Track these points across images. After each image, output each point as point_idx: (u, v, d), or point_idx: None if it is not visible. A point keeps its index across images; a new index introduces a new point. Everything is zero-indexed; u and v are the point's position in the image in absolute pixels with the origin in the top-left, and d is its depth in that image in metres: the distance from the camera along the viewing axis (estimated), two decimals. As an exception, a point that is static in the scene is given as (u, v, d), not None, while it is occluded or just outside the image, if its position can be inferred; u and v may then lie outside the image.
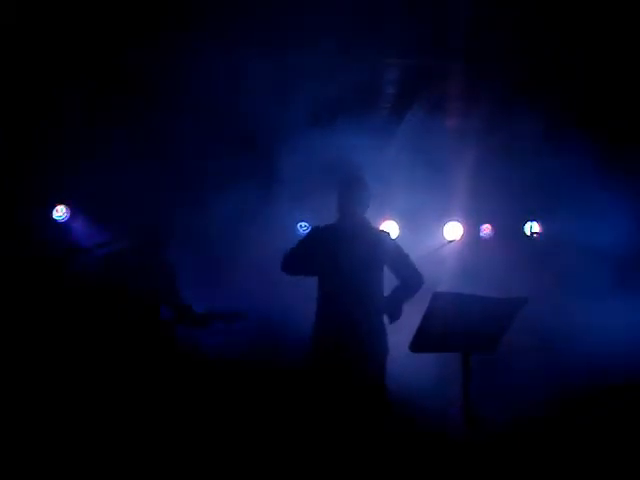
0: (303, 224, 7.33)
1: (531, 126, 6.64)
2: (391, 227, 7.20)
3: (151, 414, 5.22)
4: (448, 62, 6.50)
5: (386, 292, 5.13)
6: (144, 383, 5.25)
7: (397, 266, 5.16)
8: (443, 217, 7.44)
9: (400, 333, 4.94)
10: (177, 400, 5.41)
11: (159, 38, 6.03)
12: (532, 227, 7.37)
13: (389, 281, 5.19)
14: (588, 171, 6.73)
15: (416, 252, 7.01)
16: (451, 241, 7.39)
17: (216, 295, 6.10)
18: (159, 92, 6.36)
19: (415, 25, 6.03)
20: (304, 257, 5.09)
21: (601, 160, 6.73)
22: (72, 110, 6.63)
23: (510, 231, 7.48)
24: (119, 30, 6.12)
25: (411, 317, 4.80)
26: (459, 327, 4.55)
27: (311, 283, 5.17)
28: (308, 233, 5.26)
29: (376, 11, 5.85)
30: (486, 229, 7.47)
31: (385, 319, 5.03)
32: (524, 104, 6.48)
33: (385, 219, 7.20)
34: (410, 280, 5.15)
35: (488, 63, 6.40)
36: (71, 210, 7.01)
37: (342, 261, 4.96)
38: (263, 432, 5.94)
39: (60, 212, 7.00)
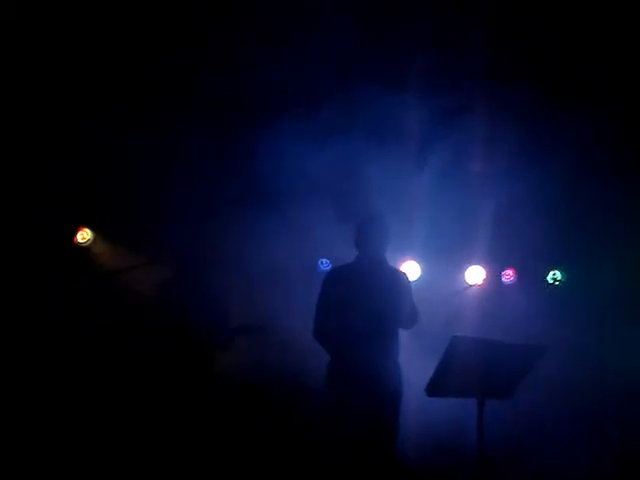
0: (324, 260, 7.30)
1: (557, 171, 6.59)
2: (412, 267, 7.16)
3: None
4: (471, 101, 6.48)
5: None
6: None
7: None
8: (466, 260, 7.38)
9: (418, 375, 4.89)
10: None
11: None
12: (554, 275, 7.29)
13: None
14: (614, 219, 6.68)
15: (437, 294, 7.13)
16: (472, 285, 7.31)
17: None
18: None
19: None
20: (330, 310, 5.00)
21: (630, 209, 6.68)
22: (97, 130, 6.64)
23: (533, 277, 7.40)
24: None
25: (430, 360, 4.74)
26: (477, 372, 4.47)
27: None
28: (323, 284, 5.15)
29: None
30: (508, 275, 7.40)
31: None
32: (550, 147, 6.45)
33: (406, 259, 7.17)
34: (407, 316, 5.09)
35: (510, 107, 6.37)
36: (95, 234, 7.02)
37: (358, 299, 4.92)
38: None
39: (84, 236, 7.01)
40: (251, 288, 6.57)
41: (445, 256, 7.28)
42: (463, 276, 7.36)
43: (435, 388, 4.51)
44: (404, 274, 5.30)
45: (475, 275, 7.32)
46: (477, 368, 4.46)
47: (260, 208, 6.53)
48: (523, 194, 6.76)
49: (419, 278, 7.16)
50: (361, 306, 4.91)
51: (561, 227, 6.95)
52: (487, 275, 7.34)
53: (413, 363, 5.42)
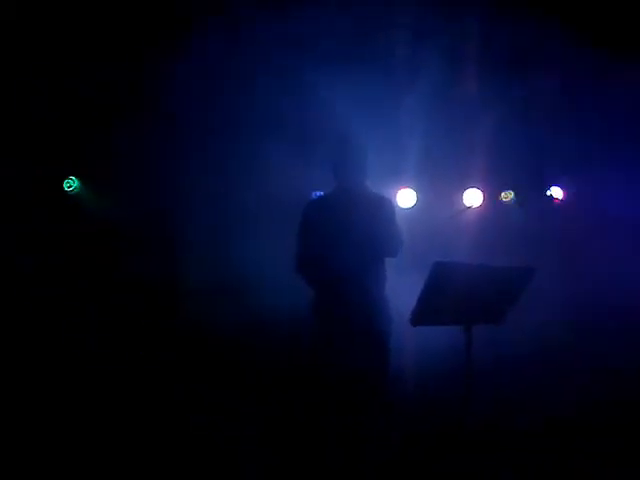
0: (319, 193, 7.10)
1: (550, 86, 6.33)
2: (408, 195, 6.98)
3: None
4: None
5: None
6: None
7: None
8: (462, 184, 7.16)
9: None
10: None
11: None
12: (553, 192, 7.07)
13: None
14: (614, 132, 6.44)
15: (434, 220, 6.98)
16: (469, 207, 7.11)
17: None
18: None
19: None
20: (310, 243, 4.78)
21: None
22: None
23: (531, 197, 7.18)
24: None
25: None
26: (462, 299, 4.31)
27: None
28: (302, 217, 4.88)
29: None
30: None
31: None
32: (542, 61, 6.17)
33: (402, 187, 6.98)
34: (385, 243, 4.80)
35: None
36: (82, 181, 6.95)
37: (336, 231, 4.70)
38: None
39: (71, 184, 6.94)
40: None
41: (441, 182, 7.10)
42: (460, 200, 7.17)
43: (419, 317, 4.37)
44: (387, 200, 4.97)
45: (473, 197, 7.12)
46: (462, 294, 4.29)
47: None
48: (516, 111, 6.51)
49: (415, 205, 7.00)
50: (339, 238, 4.67)
51: (558, 142, 6.70)
52: (485, 197, 7.14)
53: (411, 293, 5.26)
